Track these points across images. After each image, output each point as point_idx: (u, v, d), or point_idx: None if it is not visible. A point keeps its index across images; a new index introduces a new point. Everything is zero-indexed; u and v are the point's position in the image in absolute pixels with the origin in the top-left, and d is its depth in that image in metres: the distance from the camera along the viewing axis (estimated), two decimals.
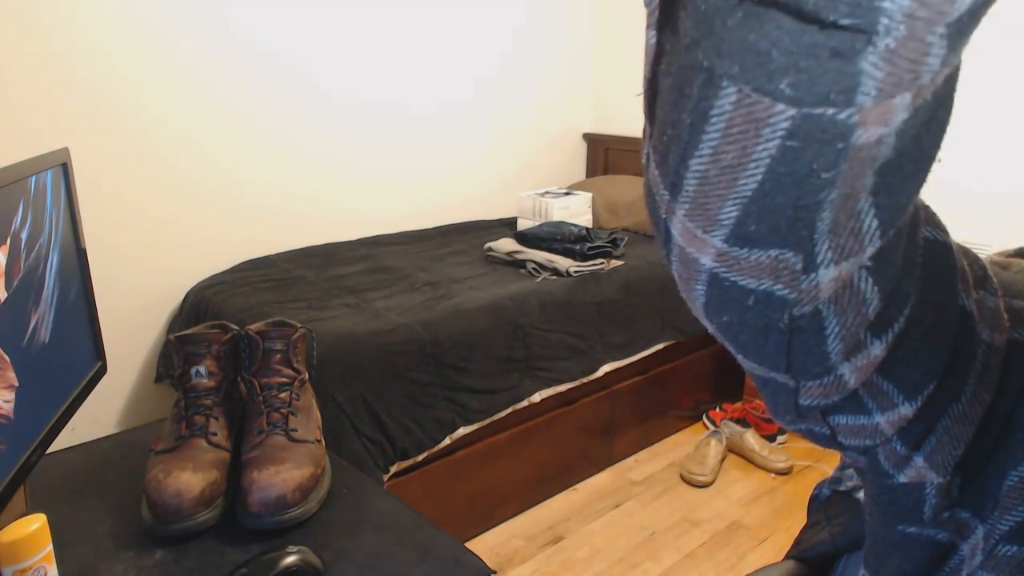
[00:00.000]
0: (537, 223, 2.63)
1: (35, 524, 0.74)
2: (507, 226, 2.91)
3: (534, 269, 2.31)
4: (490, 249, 2.47)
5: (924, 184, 0.28)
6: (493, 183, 3.08)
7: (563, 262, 2.28)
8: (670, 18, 0.26)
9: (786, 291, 0.28)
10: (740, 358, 0.33)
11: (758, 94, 0.24)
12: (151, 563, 0.84)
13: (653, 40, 0.27)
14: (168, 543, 0.87)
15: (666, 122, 0.27)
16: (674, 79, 0.26)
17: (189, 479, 0.88)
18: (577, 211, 2.75)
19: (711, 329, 0.32)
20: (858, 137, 0.24)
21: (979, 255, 0.39)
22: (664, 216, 0.30)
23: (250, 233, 2.40)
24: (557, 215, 2.66)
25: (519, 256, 2.37)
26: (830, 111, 0.23)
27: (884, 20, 0.22)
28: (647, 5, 0.27)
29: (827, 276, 0.27)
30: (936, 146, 0.27)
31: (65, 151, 0.96)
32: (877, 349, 0.31)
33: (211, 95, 2.25)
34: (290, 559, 0.80)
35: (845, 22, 0.22)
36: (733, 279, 0.29)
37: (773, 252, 0.27)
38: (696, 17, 0.25)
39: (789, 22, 0.22)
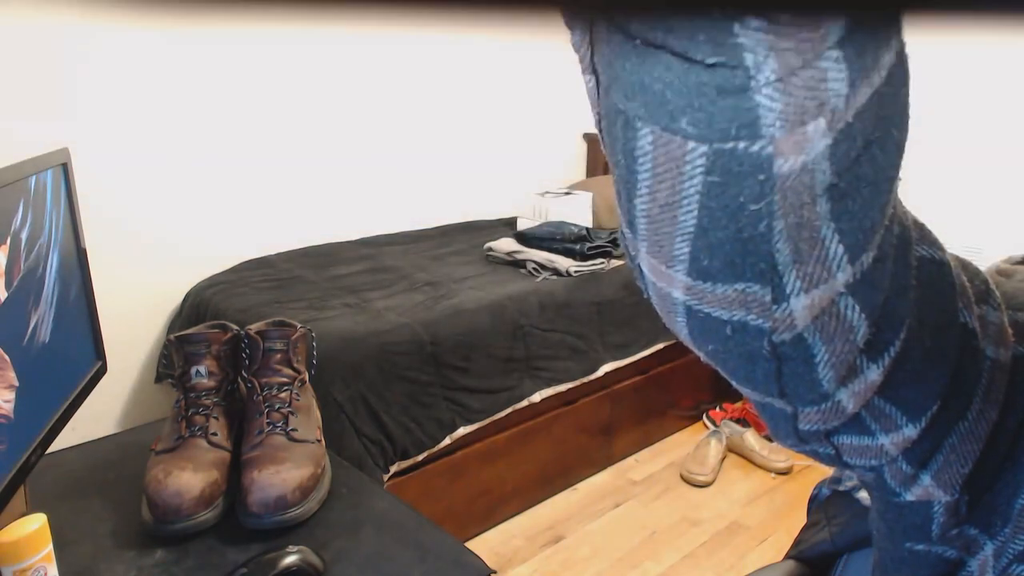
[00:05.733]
0: (537, 223, 2.63)
1: (35, 524, 0.74)
2: (507, 226, 2.90)
3: (534, 269, 2.31)
4: (490, 249, 2.47)
5: (889, 205, 0.27)
6: (493, 183, 3.07)
7: (563, 262, 2.28)
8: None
9: (760, 320, 0.27)
10: (736, 385, 0.32)
11: (668, 133, 0.23)
12: (151, 563, 0.84)
13: (591, 84, 0.27)
14: (168, 543, 0.87)
15: (611, 162, 0.27)
16: (606, 121, 0.26)
17: (189, 479, 0.88)
18: (577, 211, 2.75)
19: (702, 358, 0.32)
20: (780, 167, 0.23)
21: (981, 266, 0.38)
22: (633, 253, 0.30)
23: (250, 233, 2.40)
24: (557, 215, 2.66)
25: (519, 256, 2.37)
26: (741, 144, 0.22)
27: (748, 56, 0.21)
28: (576, 51, 0.27)
29: (800, 304, 0.27)
30: (892, 165, 0.26)
31: (65, 151, 0.96)
32: (874, 374, 0.31)
33: (212, 94, 2.25)
34: (290, 559, 0.80)
35: (712, 61, 0.21)
36: (706, 311, 0.28)
37: (739, 286, 0.26)
38: (604, 62, 0.24)
39: (675, 63, 0.22)
